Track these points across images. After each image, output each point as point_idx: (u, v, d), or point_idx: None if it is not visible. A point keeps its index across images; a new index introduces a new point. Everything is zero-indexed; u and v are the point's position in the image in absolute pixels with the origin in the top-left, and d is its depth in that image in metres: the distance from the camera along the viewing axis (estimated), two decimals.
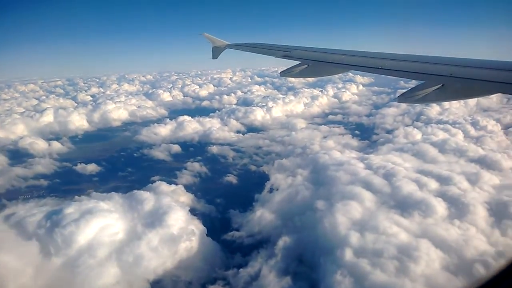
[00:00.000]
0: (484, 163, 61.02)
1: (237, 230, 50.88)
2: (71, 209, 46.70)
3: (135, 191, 55.09)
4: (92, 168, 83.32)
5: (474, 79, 7.18)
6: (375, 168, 55.17)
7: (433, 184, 49.35)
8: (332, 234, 40.46)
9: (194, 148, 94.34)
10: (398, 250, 35.80)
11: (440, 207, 43.50)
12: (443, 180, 50.31)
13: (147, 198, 51.06)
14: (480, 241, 38.43)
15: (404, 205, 44.24)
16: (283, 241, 42.68)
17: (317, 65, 11.01)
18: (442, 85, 7.38)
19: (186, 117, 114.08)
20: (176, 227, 45.44)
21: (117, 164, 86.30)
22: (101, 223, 44.18)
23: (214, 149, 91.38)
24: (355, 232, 39.22)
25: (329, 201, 46.99)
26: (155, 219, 46.24)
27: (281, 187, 57.25)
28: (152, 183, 64.70)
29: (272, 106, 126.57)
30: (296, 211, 48.77)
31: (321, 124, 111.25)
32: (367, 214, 43.08)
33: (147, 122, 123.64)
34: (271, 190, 58.29)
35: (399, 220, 41.38)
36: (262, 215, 50.23)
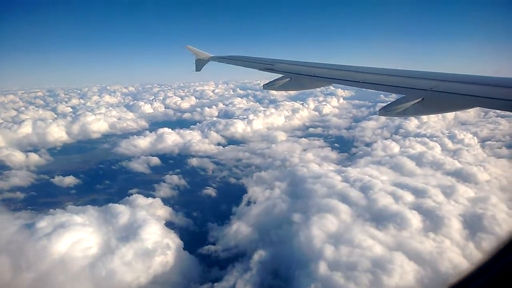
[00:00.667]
0: (460, 176, 61.89)
1: (213, 244, 50.47)
2: (44, 223, 45.92)
3: (110, 204, 54.36)
4: (69, 180, 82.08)
5: (453, 93, 7.28)
6: (352, 181, 55.46)
7: (409, 197, 49.81)
8: (307, 247, 40.39)
9: (173, 161, 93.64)
10: (372, 263, 35.91)
11: (415, 220, 43.86)
12: (418, 193, 50.79)
13: (122, 212, 50.51)
14: (455, 253, 38.77)
15: (379, 218, 44.51)
16: (259, 255, 42.44)
17: (300, 78, 11.09)
18: (422, 99, 7.47)
19: (166, 129, 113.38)
20: (151, 241, 44.91)
21: (95, 176, 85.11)
22: (74, 237, 43.48)
23: (194, 161, 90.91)
24: (330, 245, 39.25)
25: (305, 214, 47.06)
26: (129, 233, 45.67)
27: (259, 200, 57.10)
28: (129, 196, 63.95)
29: (253, 119, 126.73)
30: (272, 224, 48.62)
31: (301, 137, 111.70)
32: (343, 227, 43.18)
33: (127, 134, 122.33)
34: (248, 203, 58.09)
35: (374, 232, 41.60)
36: (239, 229, 49.94)
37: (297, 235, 42.86)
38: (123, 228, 47.03)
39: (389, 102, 7.95)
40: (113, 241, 44.22)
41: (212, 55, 17.49)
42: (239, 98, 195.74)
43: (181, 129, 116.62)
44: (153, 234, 46.24)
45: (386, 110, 7.92)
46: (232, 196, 66.44)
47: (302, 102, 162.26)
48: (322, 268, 36.26)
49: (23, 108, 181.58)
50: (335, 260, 37.06)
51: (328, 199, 50.03)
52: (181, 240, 49.92)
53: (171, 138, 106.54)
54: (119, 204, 56.33)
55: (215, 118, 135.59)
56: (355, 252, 37.70)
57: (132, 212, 51.04)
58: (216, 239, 51.31)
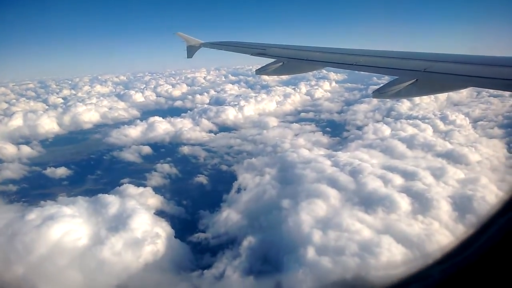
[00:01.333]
0: (451, 157, 62.08)
1: (204, 231, 50.54)
2: (33, 215, 45.76)
3: (100, 195, 54.19)
4: (62, 171, 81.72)
5: (447, 73, 7.34)
6: (342, 165, 55.40)
7: (398, 180, 49.83)
8: (296, 232, 40.43)
9: (165, 149, 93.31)
10: (359, 247, 35.94)
11: (404, 203, 43.92)
12: (408, 175, 50.85)
13: (111, 202, 50.32)
14: (443, 236, 38.80)
15: (368, 202, 44.55)
16: (248, 241, 42.47)
17: (292, 62, 11.15)
18: (416, 80, 7.55)
19: (157, 118, 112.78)
20: (140, 231, 44.81)
21: (87, 167, 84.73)
22: (64, 228, 43.34)
23: (185, 149, 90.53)
24: (318, 230, 39.26)
25: (294, 199, 46.97)
26: (119, 223, 45.55)
27: (249, 187, 57.00)
28: (119, 186, 63.81)
29: (244, 105, 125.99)
30: (262, 210, 48.63)
31: (292, 122, 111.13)
32: (331, 212, 43.21)
33: (118, 124, 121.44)
34: (238, 190, 58.04)
35: (363, 216, 41.64)
36: (229, 216, 49.91)
37: (286, 221, 42.89)
38: (113, 218, 46.89)
39: (383, 84, 8.06)
40: (103, 232, 44.08)
41: (203, 42, 17.58)
42: (231, 85, 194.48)
43: (172, 117, 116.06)
44: (142, 223, 46.14)
45: (380, 92, 8.02)
46: (223, 183, 66.39)
47: (294, 87, 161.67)
48: (310, 253, 36.28)
49: (14, 101, 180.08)
50: (323, 245, 37.10)
51: (318, 184, 49.98)
52: (172, 228, 49.96)
53: (162, 127, 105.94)
54: (109, 194, 56.21)
55: (206, 106, 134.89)
56: (343, 236, 37.71)
57: (122, 202, 50.87)
58: (206, 226, 51.38)
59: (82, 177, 78.86)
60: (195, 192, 67.45)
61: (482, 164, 61.50)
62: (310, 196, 46.67)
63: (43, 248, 40.88)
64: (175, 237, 48.54)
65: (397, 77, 7.92)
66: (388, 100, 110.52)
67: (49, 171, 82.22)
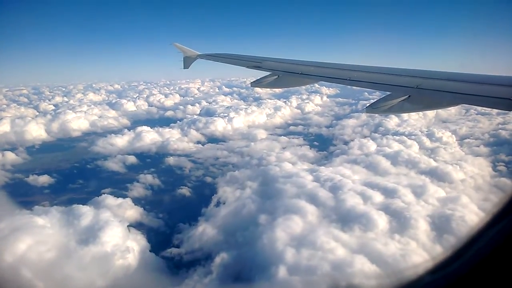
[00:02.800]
0: (435, 175, 61.59)
1: (178, 246, 49.31)
2: (1, 225, 44.44)
3: (74, 205, 52.89)
4: (44, 180, 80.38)
5: (439, 90, 7.52)
6: (323, 181, 54.55)
7: (378, 197, 49.05)
8: (270, 250, 39.42)
9: (150, 159, 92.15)
10: (332, 267, 34.91)
11: (382, 221, 43.11)
12: (388, 193, 50.07)
13: (85, 213, 49.09)
14: (419, 256, 37.89)
15: (345, 219, 43.67)
16: (221, 258, 41.30)
17: (287, 76, 11.38)
18: (409, 96, 7.70)
19: (145, 128, 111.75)
20: (111, 244, 43.55)
21: (70, 176, 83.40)
22: (32, 240, 42.01)
23: (171, 160, 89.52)
24: (292, 248, 38.22)
25: (272, 215, 46.06)
26: (89, 235, 44.30)
27: (229, 201, 55.97)
28: (98, 196, 62.50)
29: (234, 117, 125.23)
30: (239, 225, 47.57)
31: (281, 135, 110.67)
32: (307, 229, 42.25)
33: (108, 133, 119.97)
34: (218, 204, 56.94)
35: (338, 234, 40.70)
36: (204, 231, 48.74)
37: (261, 237, 41.83)
38: (84, 230, 45.60)
39: (376, 100, 8.18)
40: (72, 244, 42.86)
41: (199, 53, 17.69)
42: (223, 96, 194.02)
43: (161, 127, 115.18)
44: (114, 236, 44.87)
45: (373, 108, 8.17)
46: (205, 196, 65.15)
47: (285, 100, 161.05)
48: (282, 272, 35.23)
49: (5, 106, 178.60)
50: (295, 264, 36.07)
51: (296, 199, 49.07)
52: (149, 242, 48.83)
53: (149, 137, 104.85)
54: (88, 204, 55.04)
55: (195, 116, 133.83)
56: (317, 255, 36.74)
57: (96, 213, 49.65)
58: (181, 241, 50.18)
59: (63, 186, 77.54)
60: (176, 204, 66.41)
61: (465, 182, 61.03)
62: (288, 212, 45.72)
63: (9, 260, 39.53)
64: (150, 251, 47.34)
65: (390, 92, 8.07)
66: (377, 115, 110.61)
67: (31, 178, 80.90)
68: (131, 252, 43.99)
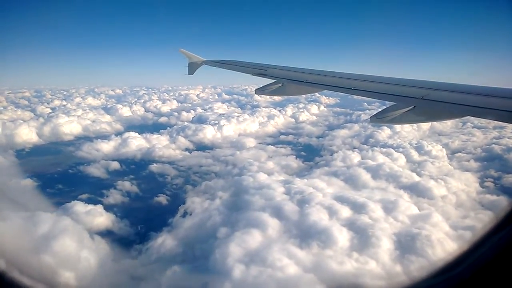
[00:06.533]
0: (415, 190, 59.97)
1: (135, 258, 47.74)
2: None
3: (38, 211, 51.54)
4: (27, 183, 79.32)
5: (444, 102, 7.49)
6: (293, 193, 52.76)
7: (346, 212, 47.27)
8: (221, 265, 37.78)
9: (134, 166, 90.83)
10: (278, 286, 33.24)
11: (343, 238, 41.26)
12: (357, 208, 48.26)
13: (44, 220, 47.70)
14: (375, 276, 36.12)
15: (306, 235, 41.94)
16: (173, 271, 39.71)
17: (291, 84, 11.34)
18: (414, 107, 7.64)
19: (132, 134, 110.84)
20: (64, 253, 42.07)
21: (50, 180, 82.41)
22: None
23: (154, 167, 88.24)
24: (241, 264, 36.57)
25: (232, 228, 44.44)
26: (42, 243, 42.81)
27: (195, 212, 54.38)
28: (69, 202, 61.19)
29: (224, 125, 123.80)
30: (200, 238, 45.98)
31: (269, 144, 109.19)
32: (264, 244, 40.48)
33: (100, 137, 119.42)
34: (184, 214, 55.41)
35: (294, 251, 38.92)
36: (164, 242, 47.10)
37: (214, 252, 40.24)
38: (38, 239, 44.18)
39: (381, 110, 8.12)
40: (21, 253, 41.38)
41: (205, 59, 17.63)
42: (220, 103, 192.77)
43: (151, 133, 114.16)
44: (67, 245, 43.42)
45: (378, 118, 8.11)
46: (180, 205, 63.79)
47: (280, 109, 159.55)
48: None
49: (2, 108, 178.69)
50: (241, 281, 34.43)
51: (261, 212, 47.36)
52: (114, 250, 47.46)
53: (136, 143, 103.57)
54: (56, 211, 53.92)
55: (186, 123, 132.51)
56: (265, 273, 35.05)
57: (56, 220, 48.30)
58: (139, 252, 48.63)
59: (42, 191, 76.42)
60: (151, 212, 64.94)
61: (446, 199, 59.10)
62: (249, 226, 44.12)
63: None
64: (112, 261, 45.88)
65: (395, 103, 8.02)
66: (369, 126, 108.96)
67: (13, 182, 79.69)
68: (85, 262, 42.46)
